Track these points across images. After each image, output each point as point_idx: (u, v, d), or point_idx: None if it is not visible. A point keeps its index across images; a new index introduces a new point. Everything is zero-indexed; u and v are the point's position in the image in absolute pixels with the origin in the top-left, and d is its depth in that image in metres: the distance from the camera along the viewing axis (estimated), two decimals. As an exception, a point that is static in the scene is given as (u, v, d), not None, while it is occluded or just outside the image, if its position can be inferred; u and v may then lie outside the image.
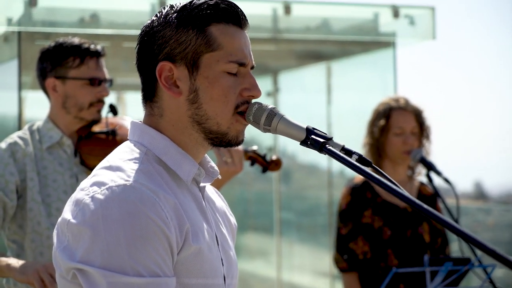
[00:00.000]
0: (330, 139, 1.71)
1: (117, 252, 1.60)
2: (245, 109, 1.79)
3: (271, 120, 1.77)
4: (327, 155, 1.68)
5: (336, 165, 7.16)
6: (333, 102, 6.94)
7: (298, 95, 7.51)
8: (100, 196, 1.64)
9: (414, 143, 3.81)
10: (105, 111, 3.25)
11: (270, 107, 1.78)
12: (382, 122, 3.84)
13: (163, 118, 1.81)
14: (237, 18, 1.80)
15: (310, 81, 7.46)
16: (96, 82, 3.15)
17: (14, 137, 3.13)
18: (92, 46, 3.17)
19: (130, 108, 7.90)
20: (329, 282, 7.19)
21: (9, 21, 5.23)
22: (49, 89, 3.17)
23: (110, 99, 3.26)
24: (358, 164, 1.63)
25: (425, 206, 1.41)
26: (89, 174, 3.05)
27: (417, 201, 1.45)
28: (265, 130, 1.79)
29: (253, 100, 1.81)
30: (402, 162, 3.86)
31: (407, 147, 3.80)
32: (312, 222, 8.02)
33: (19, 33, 5.17)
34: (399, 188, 1.56)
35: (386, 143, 3.84)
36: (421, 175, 3.94)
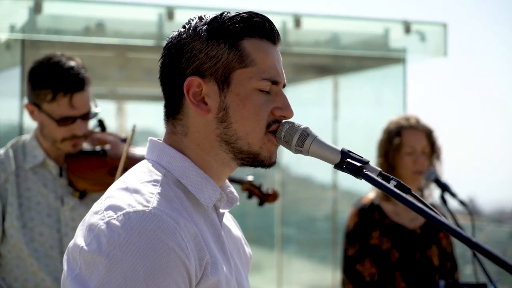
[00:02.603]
0: (367, 163, 1.62)
1: (134, 285, 1.49)
2: (276, 129, 1.69)
3: (303, 141, 1.67)
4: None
5: (329, 178, 7.10)
6: (340, 117, 6.87)
7: (304, 109, 7.43)
8: (117, 223, 1.53)
9: (424, 163, 3.72)
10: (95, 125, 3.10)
11: (302, 127, 1.68)
12: (396, 141, 3.74)
13: (188, 137, 1.70)
14: (271, 33, 1.71)
15: (316, 95, 7.40)
16: (69, 121, 2.90)
17: None
18: (70, 78, 2.87)
19: (130, 118, 7.82)
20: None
21: (12, 28, 5.15)
22: (29, 112, 2.97)
23: (111, 109, 3.14)
24: (397, 191, 1.54)
25: (484, 245, 1.32)
26: (77, 196, 2.94)
27: (472, 238, 1.36)
28: (296, 151, 1.69)
29: (283, 120, 1.71)
30: (412, 182, 3.73)
31: (417, 167, 3.71)
32: (311, 236, 7.95)
33: (23, 40, 5.09)
34: (440, 216, 1.47)
35: (398, 163, 3.74)
36: (431, 197, 3.83)
